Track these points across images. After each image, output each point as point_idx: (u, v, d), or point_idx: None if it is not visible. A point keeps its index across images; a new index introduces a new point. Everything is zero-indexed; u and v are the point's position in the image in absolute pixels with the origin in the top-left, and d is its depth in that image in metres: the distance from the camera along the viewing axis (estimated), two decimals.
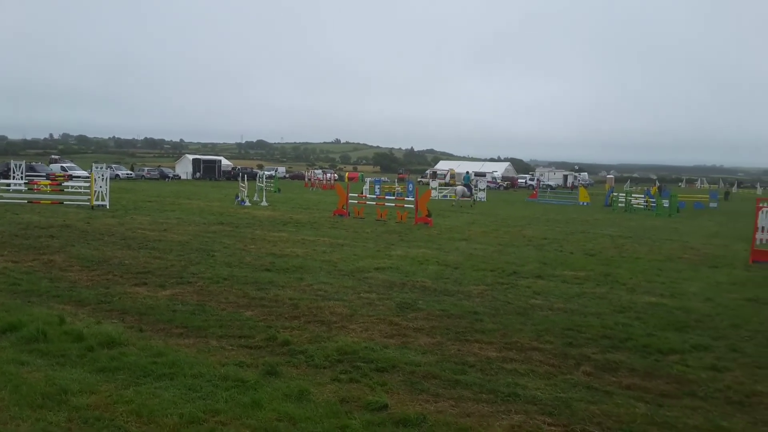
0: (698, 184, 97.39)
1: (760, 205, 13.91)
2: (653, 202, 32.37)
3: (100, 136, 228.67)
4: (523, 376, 5.41)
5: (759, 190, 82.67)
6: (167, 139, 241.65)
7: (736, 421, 4.61)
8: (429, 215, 20.00)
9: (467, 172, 42.74)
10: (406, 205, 21.81)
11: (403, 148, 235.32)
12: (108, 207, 21.15)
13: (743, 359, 6.14)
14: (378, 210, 21.44)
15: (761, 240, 13.80)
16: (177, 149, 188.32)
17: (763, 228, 13.72)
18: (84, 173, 43.22)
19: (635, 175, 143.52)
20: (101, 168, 22.24)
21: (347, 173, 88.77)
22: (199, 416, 4.25)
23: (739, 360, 6.11)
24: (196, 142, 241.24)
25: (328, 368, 5.40)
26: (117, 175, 55.71)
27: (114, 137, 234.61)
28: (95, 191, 21.24)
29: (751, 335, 7.09)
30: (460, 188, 34.68)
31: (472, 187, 36.60)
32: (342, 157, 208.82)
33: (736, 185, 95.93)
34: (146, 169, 69.78)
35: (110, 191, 22.22)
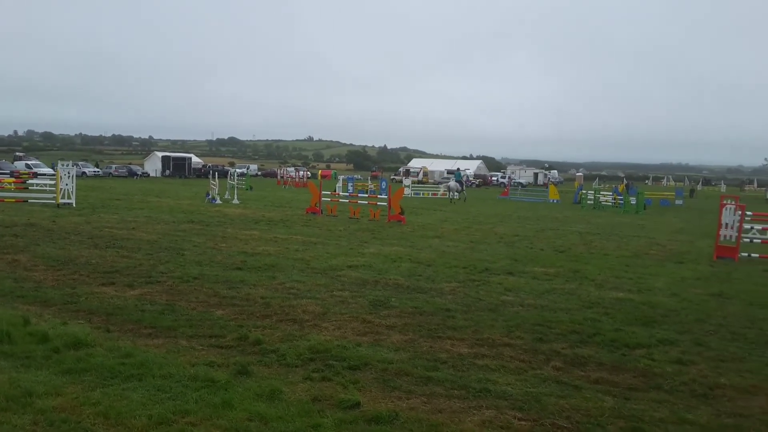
0: (664, 181, 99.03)
1: (724, 202, 14.25)
2: (621, 200, 32.96)
3: (66, 133, 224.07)
4: (494, 371, 5.46)
5: (723, 188, 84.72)
6: (136, 135, 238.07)
7: (700, 413, 4.73)
8: (402, 213, 20.05)
9: (458, 169, 43.70)
10: (379, 203, 21.83)
11: (377, 145, 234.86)
12: (74, 205, 20.71)
13: (707, 353, 6.29)
14: (351, 208, 21.39)
15: (725, 236, 14.13)
16: (146, 146, 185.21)
17: (726, 225, 14.05)
18: (49, 171, 42.22)
19: (603, 172, 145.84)
20: (67, 165, 21.75)
21: (320, 171, 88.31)
22: (168, 417, 4.20)
23: (704, 354, 6.26)
24: (165, 138, 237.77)
25: (300, 367, 5.38)
26: (84, 172, 54.71)
27: (81, 134, 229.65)
28: (61, 189, 20.76)
29: (715, 329, 7.28)
30: (453, 183, 35.36)
31: (464, 183, 37.34)
32: (315, 155, 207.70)
33: (701, 183, 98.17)
34: (114, 166, 68.61)
35: (77, 189, 21.78)
